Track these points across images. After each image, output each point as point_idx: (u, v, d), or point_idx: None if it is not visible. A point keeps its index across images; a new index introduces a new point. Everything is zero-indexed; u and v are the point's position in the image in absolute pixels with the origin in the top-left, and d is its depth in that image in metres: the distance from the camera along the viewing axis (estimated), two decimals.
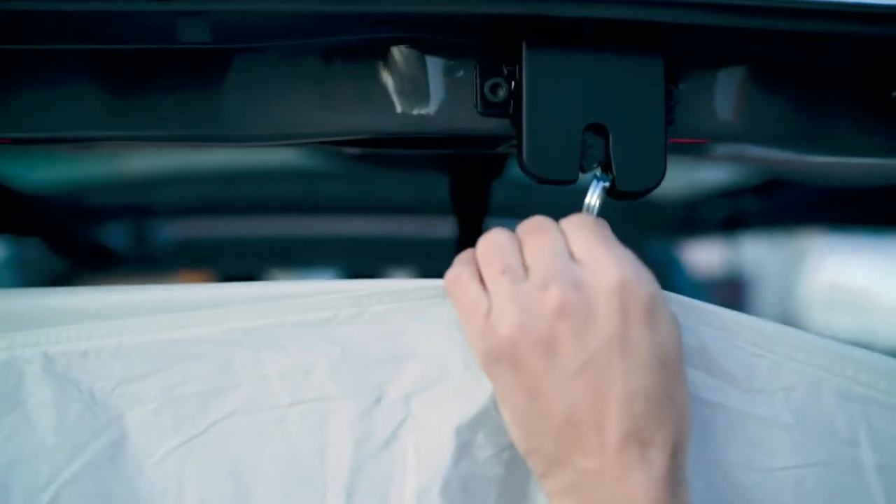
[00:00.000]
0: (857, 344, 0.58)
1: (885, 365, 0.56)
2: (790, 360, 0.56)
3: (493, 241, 0.53)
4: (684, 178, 1.96)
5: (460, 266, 0.54)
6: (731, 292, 4.86)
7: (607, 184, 0.56)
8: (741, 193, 1.90)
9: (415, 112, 0.57)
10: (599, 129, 0.56)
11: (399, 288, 0.57)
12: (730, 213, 2.00)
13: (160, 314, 0.56)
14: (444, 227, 1.30)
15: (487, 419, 0.55)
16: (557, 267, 0.50)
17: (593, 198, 0.56)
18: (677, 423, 0.51)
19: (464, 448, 0.55)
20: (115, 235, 1.84)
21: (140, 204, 1.79)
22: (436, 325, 0.56)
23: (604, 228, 0.52)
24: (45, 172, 1.68)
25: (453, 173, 1.18)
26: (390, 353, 0.56)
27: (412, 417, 0.55)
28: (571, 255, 0.51)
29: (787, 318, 5.30)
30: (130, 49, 0.55)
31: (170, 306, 0.57)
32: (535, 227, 0.52)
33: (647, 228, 2.03)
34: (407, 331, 0.56)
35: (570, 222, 0.53)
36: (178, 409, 0.54)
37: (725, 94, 0.62)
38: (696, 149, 0.87)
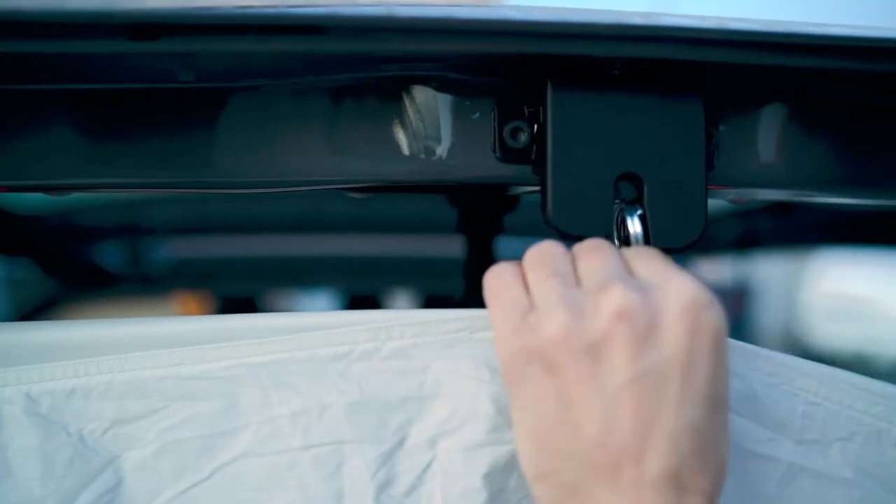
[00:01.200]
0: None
1: None
2: (848, 408, 0.51)
3: (544, 250, 0.47)
4: None
5: (504, 265, 0.48)
6: (733, 302, 4.81)
7: (641, 211, 0.50)
8: (752, 214, 1.86)
9: (428, 157, 0.52)
10: (633, 179, 0.50)
11: (421, 320, 0.51)
12: (740, 233, 1.96)
13: (156, 349, 0.51)
14: (449, 247, 1.25)
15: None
16: (619, 274, 0.45)
17: (635, 226, 0.50)
18: (717, 473, 0.45)
19: (496, 495, 0.50)
20: (109, 255, 1.79)
21: (135, 223, 1.74)
22: (463, 362, 0.51)
23: (666, 256, 0.47)
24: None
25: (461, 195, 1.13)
26: (413, 392, 0.51)
27: (438, 462, 0.50)
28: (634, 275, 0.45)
29: (790, 328, 5.27)
30: (113, 91, 0.50)
31: (167, 340, 0.52)
32: (593, 246, 0.47)
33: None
34: (431, 368, 0.51)
35: (629, 249, 0.47)
36: (179, 453, 0.50)
37: (769, 136, 0.56)
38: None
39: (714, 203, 1.98)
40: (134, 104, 0.52)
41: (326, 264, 1.87)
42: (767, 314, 5.32)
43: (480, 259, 1.04)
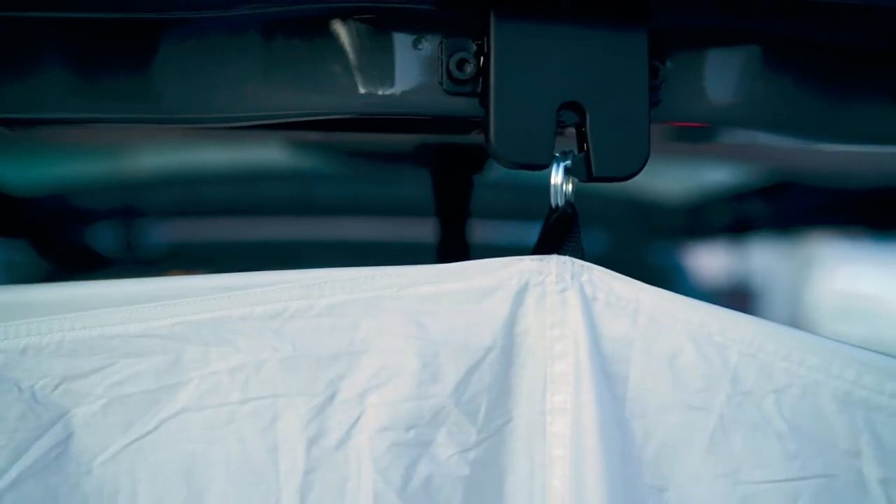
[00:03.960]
0: None
1: (891, 367, 0.51)
2: (783, 360, 0.51)
3: None
4: (689, 180, 1.92)
5: None
6: (738, 300, 4.80)
7: (568, 163, 0.51)
8: (748, 196, 1.86)
9: (376, 91, 0.53)
10: (575, 109, 0.51)
11: (351, 276, 0.52)
12: (736, 217, 1.96)
13: (104, 308, 0.52)
14: (430, 230, 1.25)
15: (448, 417, 0.51)
16: None
17: (557, 178, 0.51)
18: None
19: (422, 447, 0.51)
20: (104, 237, 1.80)
21: (130, 205, 1.76)
22: (391, 318, 0.52)
23: None
24: (31, 173, 1.64)
25: (441, 174, 1.13)
26: (343, 348, 0.52)
27: (367, 416, 0.51)
28: None
29: (796, 327, 5.22)
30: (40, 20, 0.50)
31: (114, 300, 0.53)
32: None
33: (652, 232, 1.99)
34: (360, 325, 0.52)
35: None
36: (126, 407, 0.52)
37: (722, 73, 0.57)
38: (696, 137, 0.82)
39: (705, 184, 1.98)
40: (62, 36, 0.52)
41: (322, 248, 1.88)
42: (773, 314, 5.30)
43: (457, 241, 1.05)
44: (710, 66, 0.56)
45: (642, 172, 0.51)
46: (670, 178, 1.90)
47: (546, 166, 0.51)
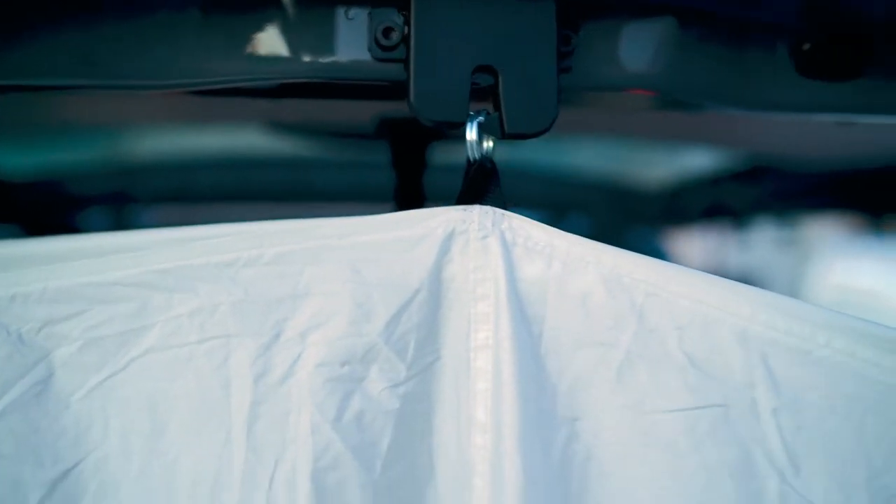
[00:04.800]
0: None
1: (784, 305, 0.55)
2: (684, 298, 0.55)
3: None
4: (667, 165, 1.96)
5: None
6: None
7: (482, 119, 0.56)
8: (725, 181, 1.90)
9: (312, 58, 0.58)
10: (490, 72, 0.56)
11: (297, 228, 0.58)
12: (714, 202, 2.00)
13: (82, 259, 0.58)
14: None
15: (379, 355, 0.56)
16: None
17: (472, 134, 0.56)
18: None
19: (355, 382, 0.56)
20: (96, 223, 1.85)
21: (122, 191, 1.80)
22: (330, 266, 0.57)
23: None
24: (23, 157, 1.70)
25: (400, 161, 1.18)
26: (288, 292, 0.57)
27: (307, 353, 0.56)
28: None
29: None
30: None
31: (91, 252, 0.59)
32: None
33: (633, 218, 2.03)
34: (304, 272, 0.57)
35: None
36: (100, 348, 0.57)
37: (632, 43, 0.62)
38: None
39: (683, 170, 2.02)
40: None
41: None
42: None
43: None
44: (621, 37, 0.61)
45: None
46: (648, 165, 1.94)
47: (462, 123, 0.56)
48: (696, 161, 1.83)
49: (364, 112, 0.92)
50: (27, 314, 0.57)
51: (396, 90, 0.61)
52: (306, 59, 0.58)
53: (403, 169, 1.12)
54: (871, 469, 0.53)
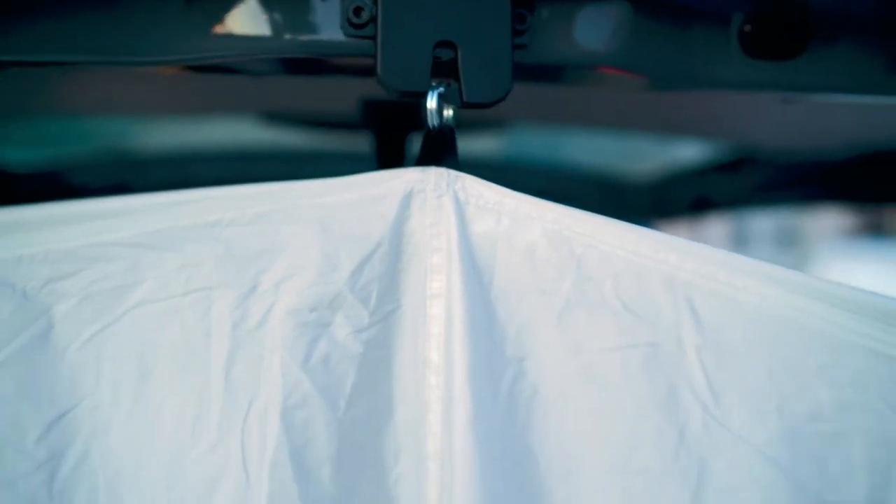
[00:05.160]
0: None
1: (708, 254, 0.61)
2: (619, 249, 0.61)
3: None
4: (653, 158, 2.01)
5: None
6: None
7: (442, 90, 0.62)
8: (710, 172, 1.94)
9: (288, 36, 0.64)
10: (450, 46, 0.62)
11: (274, 190, 0.63)
12: (700, 194, 2.04)
13: (81, 223, 0.64)
14: None
15: (344, 302, 0.62)
16: None
17: (432, 103, 0.62)
18: None
19: (322, 327, 0.61)
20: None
21: (123, 182, 1.86)
22: (303, 223, 0.63)
23: None
24: (28, 149, 1.76)
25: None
26: (265, 248, 0.63)
27: (280, 302, 0.62)
28: None
29: None
30: None
31: (89, 215, 0.65)
32: None
33: (620, 210, 2.08)
34: (280, 230, 0.63)
35: None
36: (95, 303, 0.63)
37: (585, 24, 0.67)
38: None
39: (669, 162, 2.07)
40: None
41: None
42: None
43: None
44: (575, 17, 0.67)
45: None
46: (634, 157, 1.99)
47: (424, 93, 0.61)
48: (679, 152, 1.89)
49: (339, 91, 0.98)
50: (31, 273, 0.62)
51: (368, 68, 0.67)
52: (285, 36, 0.63)
53: (379, 142, 1.18)
54: (782, 397, 0.59)
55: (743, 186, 1.98)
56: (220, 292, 0.63)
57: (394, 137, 1.10)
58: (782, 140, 1.74)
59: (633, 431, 0.60)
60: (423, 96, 0.62)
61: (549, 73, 0.68)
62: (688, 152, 1.90)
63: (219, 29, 0.63)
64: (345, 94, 1.04)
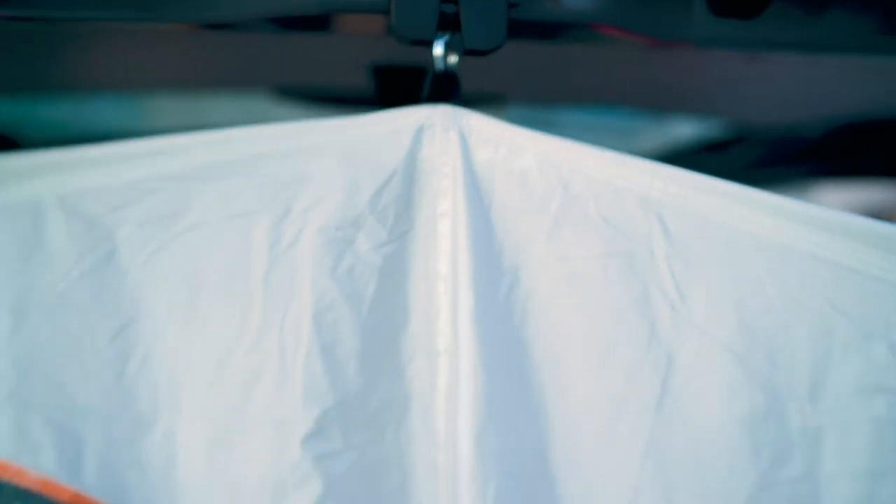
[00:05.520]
0: None
1: (677, 175, 0.72)
2: (599, 173, 0.72)
3: None
4: (654, 137, 2.10)
5: None
6: None
7: (447, 38, 0.72)
8: (706, 150, 2.03)
9: None
10: (454, 2, 0.73)
11: (307, 127, 0.74)
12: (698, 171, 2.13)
13: (137, 160, 0.75)
14: None
15: (366, 222, 0.72)
16: None
17: (438, 50, 0.72)
18: None
19: (347, 244, 0.72)
20: None
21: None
22: (329, 155, 0.73)
23: None
24: (46, 123, 1.86)
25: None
26: (297, 177, 0.73)
27: (309, 223, 0.72)
28: None
29: None
30: None
31: (143, 154, 0.75)
32: None
33: None
34: (309, 161, 0.74)
35: None
36: (151, 228, 0.73)
37: None
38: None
39: (667, 140, 2.17)
40: None
41: None
42: None
43: None
44: None
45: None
46: (634, 137, 2.09)
47: (432, 42, 0.72)
48: (671, 130, 1.98)
49: (349, 60, 1.09)
50: (96, 203, 0.73)
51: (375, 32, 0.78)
52: None
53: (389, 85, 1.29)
54: (739, 296, 0.69)
55: (734, 166, 2.08)
56: (257, 217, 0.73)
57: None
58: (772, 117, 1.83)
59: (613, 328, 0.70)
60: (431, 44, 0.72)
61: (537, 30, 0.79)
62: (681, 131, 2.00)
63: None
64: (354, 64, 1.14)
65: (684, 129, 2.03)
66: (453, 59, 0.74)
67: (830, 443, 0.66)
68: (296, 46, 1.13)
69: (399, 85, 1.21)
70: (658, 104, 1.75)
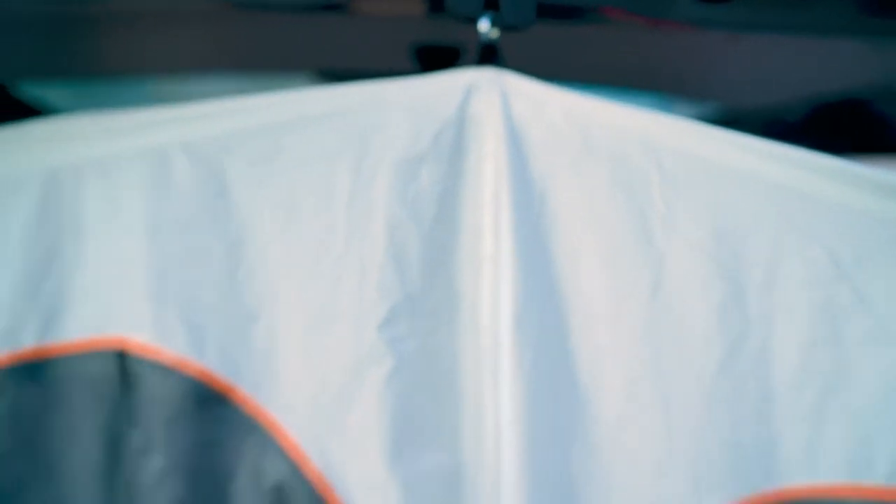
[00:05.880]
0: None
1: (670, 122, 0.93)
2: (609, 121, 0.93)
3: None
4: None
5: None
6: None
7: (491, 15, 0.93)
8: None
9: None
10: None
11: (377, 87, 0.95)
12: None
13: (240, 113, 0.96)
14: None
15: (428, 160, 0.93)
16: None
17: (483, 26, 0.93)
18: None
19: (413, 176, 0.93)
20: None
21: None
22: (397, 108, 0.94)
23: None
24: (81, 103, 2.06)
25: None
26: (372, 125, 0.94)
27: (384, 161, 0.93)
28: None
29: None
30: None
31: (244, 109, 0.96)
32: None
33: None
34: (381, 112, 0.94)
35: None
36: (256, 166, 0.93)
37: None
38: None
39: None
40: None
41: None
42: None
43: None
44: None
45: None
46: None
47: (478, 17, 0.93)
48: (670, 109, 2.20)
49: (389, 43, 1.30)
50: (211, 148, 0.93)
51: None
52: None
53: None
54: (715, 213, 0.90)
55: None
56: (341, 156, 0.94)
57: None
58: (756, 99, 2.05)
59: (617, 240, 0.91)
60: (476, 19, 0.93)
61: (560, 12, 1.00)
62: (676, 110, 2.21)
63: None
64: (396, 45, 1.35)
65: (680, 109, 2.25)
66: (495, 32, 0.94)
67: (780, 322, 0.88)
68: (335, 29, 1.33)
69: (437, 62, 1.42)
70: (653, 85, 1.96)
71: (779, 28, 1.09)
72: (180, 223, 0.93)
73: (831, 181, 0.90)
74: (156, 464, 0.90)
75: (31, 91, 1.84)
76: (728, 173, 0.91)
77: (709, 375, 0.84)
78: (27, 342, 0.89)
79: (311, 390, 0.91)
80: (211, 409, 0.91)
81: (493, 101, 0.94)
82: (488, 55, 0.95)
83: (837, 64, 1.62)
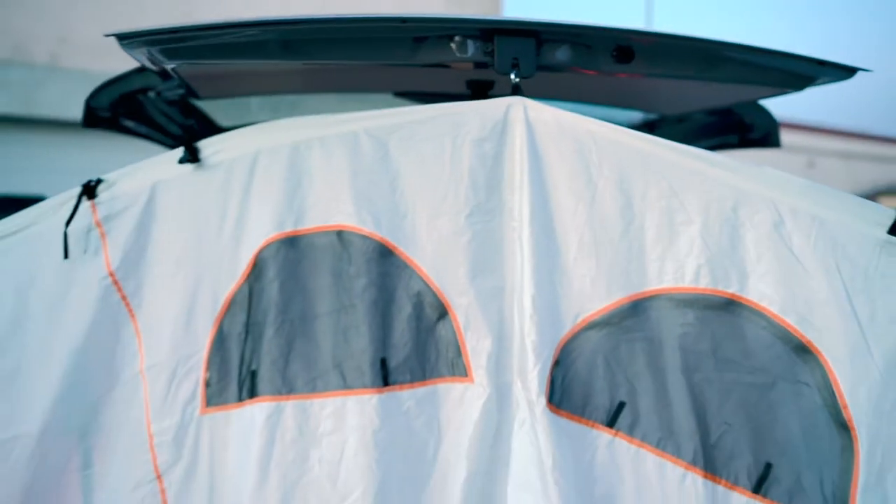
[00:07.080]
0: None
1: (607, 125, 1.96)
2: (616, 137, 1.95)
3: None
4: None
5: None
6: None
7: (515, 72, 1.96)
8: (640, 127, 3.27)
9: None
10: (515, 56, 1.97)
11: (435, 108, 2.02)
12: None
13: (389, 116, 2.02)
14: None
15: (484, 145, 1.96)
16: None
17: (513, 76, 1.97)
18: None
19: (481, 146, 1.97)
20: None
21: None
22: (472, 115, 1.97)
23: None
24: (237, 114, 3.13)
25: None
26: (455, 123, 1.99)
27: (467, 138, 1.98)
28: None
29: None
30: None
31: (390, 113, 2.01)
32: None
33: None
34: (437, 125, 2.00)
35: None
36: (403, 141, 2.02)
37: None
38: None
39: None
40: None
41: None
42: None
43: None
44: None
45: None
46: None
47: (510, 72, 1.96)
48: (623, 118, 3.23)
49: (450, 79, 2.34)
50: (379, 131, 2.01)
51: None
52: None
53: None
54: (635, 184, 1.94)
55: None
56: (445, 136, 1.98)
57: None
58: (678, 108, 3.10)
59: (575, 176, 1.94)
60: (510, 73, 1.96)
61: (549, 69, 2.03)
62: (623, 118, 3.24)
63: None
64: (454, 80, 2.38)
65: (632, 117, 3.28)
66: (517, 79, 1.96)
67: (648, 215, 1.92)
68: (431, 73, 2.35)
69: (479, 90, 2.45)
70: (617, 103, 3.00)
71: (671, 76, 2.12)
72: (365, 169, 1.96)
73: (694, 160, 1.91)
74: (361, 283, 1.94)
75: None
76: (647, 157, 1.92)
77: (618, 238, 1.90)
78: (287, 228, 1.94)
79: (432, 248, 1.94)
80: (386, 256, 1.97)
81: (520, 111, 1.96)
82: (516, 90, 1.98)
83: (714, 91, 2.64)
